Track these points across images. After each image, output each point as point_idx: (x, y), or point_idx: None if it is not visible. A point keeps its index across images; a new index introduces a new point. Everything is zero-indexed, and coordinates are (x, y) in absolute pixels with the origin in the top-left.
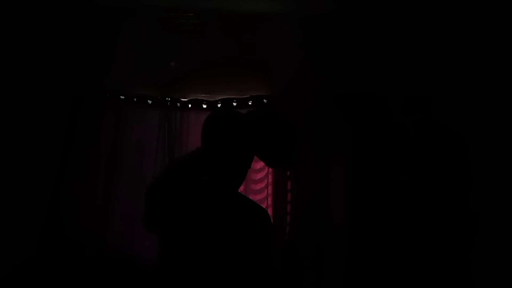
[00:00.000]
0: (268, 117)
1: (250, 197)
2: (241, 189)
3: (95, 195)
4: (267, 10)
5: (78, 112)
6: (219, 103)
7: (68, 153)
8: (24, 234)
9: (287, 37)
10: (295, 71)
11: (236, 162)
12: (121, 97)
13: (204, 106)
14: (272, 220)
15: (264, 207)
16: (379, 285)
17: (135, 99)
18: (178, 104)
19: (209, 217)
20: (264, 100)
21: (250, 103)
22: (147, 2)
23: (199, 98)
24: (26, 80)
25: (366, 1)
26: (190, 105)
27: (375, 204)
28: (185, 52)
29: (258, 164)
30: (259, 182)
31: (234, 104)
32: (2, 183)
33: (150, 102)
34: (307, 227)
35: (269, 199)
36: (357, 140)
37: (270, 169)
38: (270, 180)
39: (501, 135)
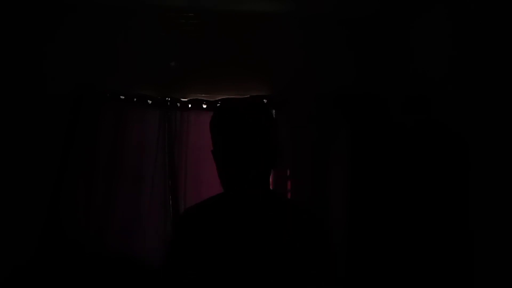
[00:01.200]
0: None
1: None
2: None
3: (95, 195)
4: (267, 10)
5: (78, 112)
6: (219, 103)
7: (68, 153)
8: (24, 234)
9: (287, 37)
10: (295, 71)
11: (253, 158)
12: (121, 97)
13: (204, 106)
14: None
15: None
16: (380, 284)
17: (135, 99)
18: (178, 104)
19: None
20: (264, 100)
21: None
22: (147, 2)
23: (199, 98)
24: (26, 80)
25: (366, 1)
26: (190, 105)
27: (375, 204)
28: (185, 52)
29: None
30: None
31: None
32: (2, 183)
33: (150, 102)
34: None
35: None
36: (357, 140)
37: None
38: (270, 180)
39: (501, 135)
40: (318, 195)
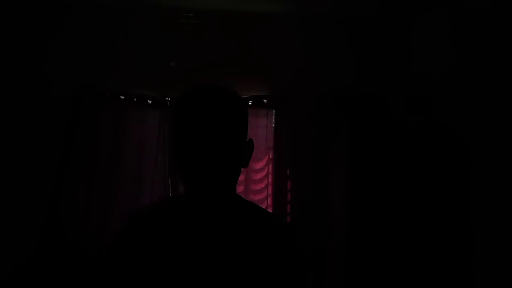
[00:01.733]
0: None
1: (250, 198)
2: (239, 190)
3: (95, 195)
4: (267, 10)
5: (78, 112)
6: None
7: (68, 153)
8: (24, 234)
9: (287, 37)
10: (295, 71)
11: (215, 153)
12: (121, 97)
13: None
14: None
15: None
16: (379, 285)
17: (135, 99)
18: None
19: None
20: (264, 100)
21: (250, 103)
22: (147, 2)
23: None
24: (26, 80)
25: (366, 1)
26: None
27: (375, 204)
28: (185, 52)
29: (258, 164)
30: (259, 182)
31: None
32: (2, 183)
33: (150, 102)
34: (307, 227)
35: (269, 199)
36: (357, 140)
37: (270, 169)
38: (270, 180)
39: (501, 135)
40: (318, 195)
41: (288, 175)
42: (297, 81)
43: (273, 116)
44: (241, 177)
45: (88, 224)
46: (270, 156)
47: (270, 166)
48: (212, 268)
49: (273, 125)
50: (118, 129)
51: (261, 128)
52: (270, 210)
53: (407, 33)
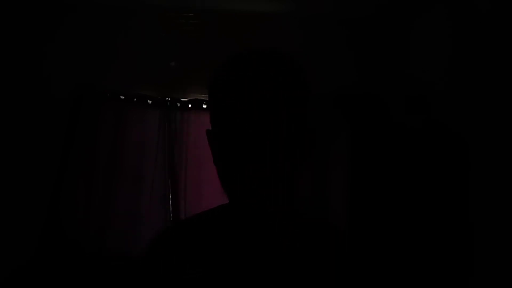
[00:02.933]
0: None
1: None
2: None
3: (95, 195)
4: (267, 10)
5: (78, 112)
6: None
7: (68, 153)
8: (24, 234)
9: (287, 37)
10: None
11: (283, 147)
12: (121, 97)
13: (204, 106)
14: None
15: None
16: (380, 285)
17: (135, 99)
18: (178, 104)
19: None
20: None
21: None
22: (147, 2)
23: (199, 98)
24: (26, 80)
25: (366, 1)
26: (190, 105)
27: (375, 204)
28: (185, 52)
29: None
30: None
31: None
32: (2, 183)
33: (150, 102)
34: None
35: None
36: (357, 140)
37: None
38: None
39: (501, 135)
40: (318, 195)
41: None
42: None
43: None
44: None
45: (88, 224)
46: None
47: None
48: None
49: None
50: (118, 129)
51: None
52: None
53: (407, 33)
